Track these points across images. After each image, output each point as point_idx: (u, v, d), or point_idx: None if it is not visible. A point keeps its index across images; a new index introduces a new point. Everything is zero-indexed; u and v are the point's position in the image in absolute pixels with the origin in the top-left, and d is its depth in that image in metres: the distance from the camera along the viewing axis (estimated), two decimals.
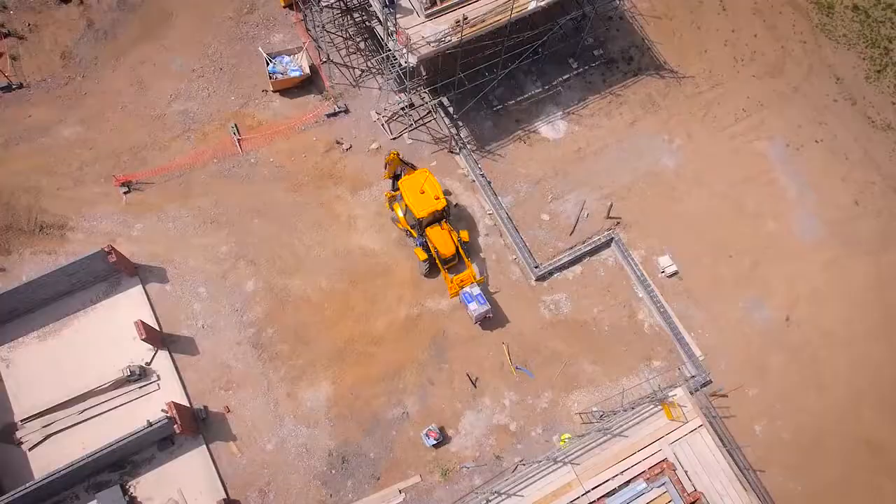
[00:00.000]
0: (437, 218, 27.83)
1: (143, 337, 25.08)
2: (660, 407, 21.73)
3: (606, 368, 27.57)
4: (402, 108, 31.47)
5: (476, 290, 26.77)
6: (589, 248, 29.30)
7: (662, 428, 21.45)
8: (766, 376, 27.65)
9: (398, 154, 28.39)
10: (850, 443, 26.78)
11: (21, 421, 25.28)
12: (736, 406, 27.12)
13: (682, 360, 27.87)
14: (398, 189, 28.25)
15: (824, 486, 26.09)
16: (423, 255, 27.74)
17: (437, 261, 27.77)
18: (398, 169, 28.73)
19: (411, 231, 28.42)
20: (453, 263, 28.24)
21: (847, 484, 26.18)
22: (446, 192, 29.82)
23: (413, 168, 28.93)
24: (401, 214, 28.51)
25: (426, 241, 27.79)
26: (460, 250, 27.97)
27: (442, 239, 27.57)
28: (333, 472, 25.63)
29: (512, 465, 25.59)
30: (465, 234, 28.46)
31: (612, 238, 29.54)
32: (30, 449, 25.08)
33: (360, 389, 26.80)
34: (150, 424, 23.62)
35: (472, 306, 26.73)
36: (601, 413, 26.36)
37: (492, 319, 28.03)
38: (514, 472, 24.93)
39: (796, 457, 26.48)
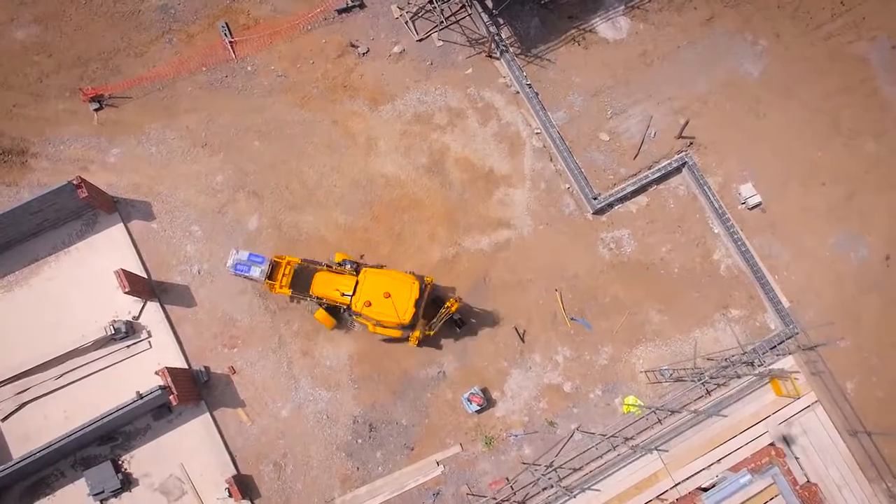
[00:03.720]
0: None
1: (127, 290, 20.87)
2: (766, 381, 17.75)
3: (676, 318, 24.10)
4: (430, 2, 26.02)
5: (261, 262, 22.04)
6: (657, 174, 25.32)
7: (769, 406, 17.63)
8: (859, 326, 24.37)
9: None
10: None
11: None
12: (825, 360, 23.72)
13: (764, 308, 24.03)
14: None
15: None
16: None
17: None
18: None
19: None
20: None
21: None
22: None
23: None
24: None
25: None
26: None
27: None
28: (360, 441, 22.56)
29: (568, 432, 22.26)
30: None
31: (685, 162, 25.41)
32: (2, 419, 21.54)
33: (388, 345, 23.38)
34: (141, 396, 19.82)
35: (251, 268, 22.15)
36: (671, 372, 22.85)
37: (535, 262, 24.27)
38: (569, 440, 21.66)
39: (893, 418, 23.26)
